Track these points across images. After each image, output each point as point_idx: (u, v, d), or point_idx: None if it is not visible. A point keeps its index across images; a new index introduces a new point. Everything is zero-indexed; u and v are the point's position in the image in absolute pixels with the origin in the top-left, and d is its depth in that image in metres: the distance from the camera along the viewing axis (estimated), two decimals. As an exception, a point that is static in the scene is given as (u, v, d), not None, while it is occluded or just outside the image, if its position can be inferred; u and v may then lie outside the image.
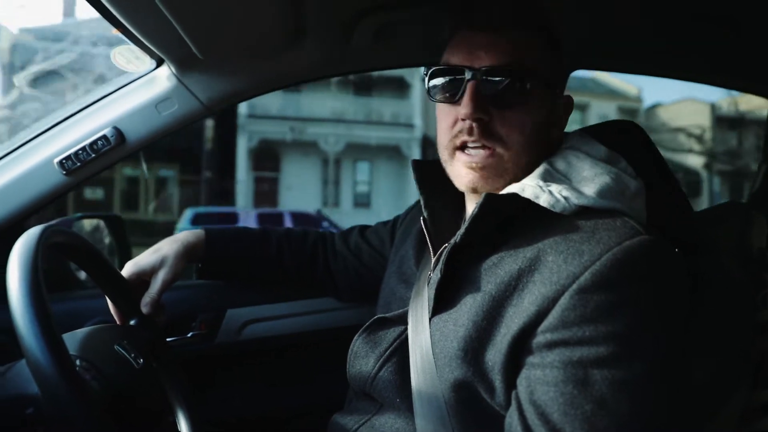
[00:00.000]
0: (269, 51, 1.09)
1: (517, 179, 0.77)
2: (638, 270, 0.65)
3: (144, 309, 0.99)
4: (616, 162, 0.78)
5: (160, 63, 1.12)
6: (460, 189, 0.82)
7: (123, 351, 0.82)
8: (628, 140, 0.88)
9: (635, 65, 1.47)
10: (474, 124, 0.75)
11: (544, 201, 0.70)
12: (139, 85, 1.14)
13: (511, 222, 0.74)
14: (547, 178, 0.74)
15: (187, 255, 1.07)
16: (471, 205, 0.86)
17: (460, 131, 0.77)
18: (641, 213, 0.74)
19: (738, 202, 1.16)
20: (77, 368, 0.73)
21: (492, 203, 0.72)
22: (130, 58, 1.08)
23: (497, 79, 0.74)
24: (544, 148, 0.78)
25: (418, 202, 1.10)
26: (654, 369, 0.63)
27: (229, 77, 1.12)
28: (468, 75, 0.75)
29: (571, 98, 0.78)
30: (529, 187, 0.72)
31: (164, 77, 1.13)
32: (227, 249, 1.14)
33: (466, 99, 0.75)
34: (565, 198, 0.70)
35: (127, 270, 1.03)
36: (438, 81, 0.79)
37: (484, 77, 0.75)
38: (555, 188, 0.71)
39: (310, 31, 1.07)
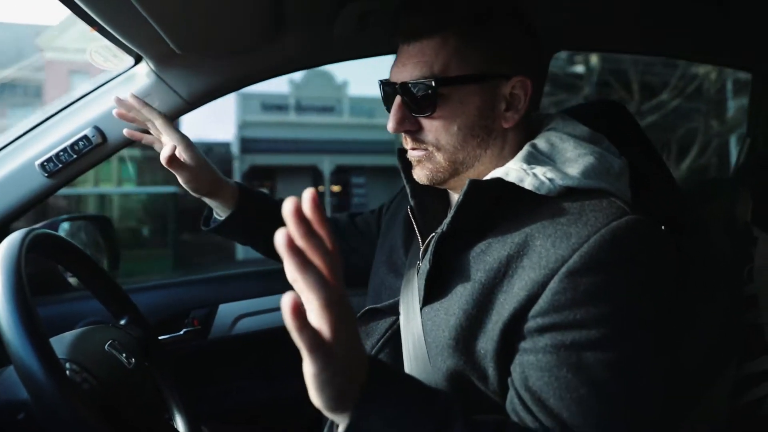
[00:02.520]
0: (249, 44, 1.07)
1: (461, 171, 0.80)
2: (626, 250, 0.65)
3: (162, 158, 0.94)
4: (599, 141, 0.78)
5: (138, 60, 1.10)
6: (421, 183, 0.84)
7: (114, 351, 0.82)
8: (611, 119, 0.89)
9: (620, 44, 1.47)
10: (404, 135, 0.80)
11: (528, 184, 0.70)
12: (119, 83, 1.12)
13: (497, 208, 0.74)
14: (530, 160, 0.74)
15: (214, 186, 1.04)
16: (456, 193, 0.86)
17: (405, 141, 0.82)
18: (626, 192, 0.74)
19: (724, 178, 1.16)
20: (67, 371, 0.72)
21: (477, 189, 0.72)
22: (107, 56, 1.06)
23: (414, 91, 0.76)
24: (487, 136, 0.78)
25: (402, 189, 1.10)
26: (646, 348, 0.64)
27: (209, 72, 1.10)
28: (396, 91, 0.78)
29: (526, 80, 0.76)
30: (513, 171, 0.72)
31: (143, 74, 1.11)
32: (254, 210, 1.10)
33: (390, 114, 0.79)
34: (550, 180, 0.70)
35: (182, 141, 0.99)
36: (382, 93, 0.83)
37: (402, 93, 0.77)
38: (539, 170, 0.71)
39: (291, 22, 1.06)
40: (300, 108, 15.34)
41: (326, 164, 14.94)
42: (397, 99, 0.78)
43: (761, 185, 1.03)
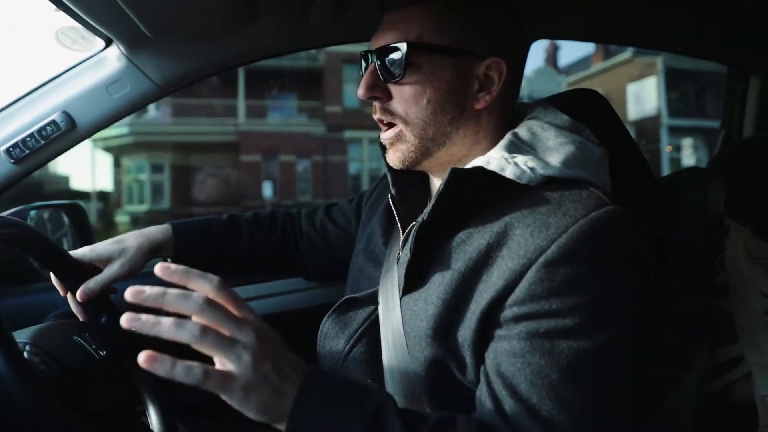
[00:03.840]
0: (223, 28, 1.05)
1: (432, 150, 0.79)
2: (604, 241, 0.65)
3: (78, 294, 0.93)
4: (580, 131, 0.78)
5: (108, 43, 1.06)
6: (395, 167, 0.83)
7: (83, 342, 0.80)
8: (590, 109, 0.89)
9: (597, 34, 1.47)
10: (375, 104, 0.79)
11: (509, 173, 0.70)
12: (88, 67, 1.08)
13: (478, 197, 0.74)
14: (512, 149, 0.74)
15: (151, 251, 1.03)
16: (437, 182, 0.85)
17: (374, 111, 0.81)
18: (606, 180, 0.75)
19: (699, 167, 1.18)
20: (25, 353, 0.70)
21: (458, 178, 0.72)
22: (75, 38, 1.02)
23: (387, 57, 0.76)
24: (458, 114, 0.78)
25: (383, 177, 1.09)
26: (620, 339, 0.64)
27: (183, 56, 1.08)
28: (370, 58, 0.79)
29: (501, 62, 0.76)
30: (494, 160, 0.72)
31: (114, 57, 1.07)
32: (197, 244, 1.10)
33: (362, 80, 0.79)
34: (531, 169, 0.69)
35: (83, 253, 0.97)
36: (361, 64, 0.82)
37: (377, 58, 0.77)
38: (520, 159, 0.71)
39: (266, 6, 1.03)
40: (531, 99, 17.19)
41: None
42: (371, 65, 0.78)
43: (734, 175, 1.04)
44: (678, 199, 0.95)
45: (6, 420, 0.63)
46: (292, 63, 16.01)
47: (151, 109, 15.94)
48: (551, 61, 22.82)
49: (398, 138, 0.79)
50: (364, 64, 0.82)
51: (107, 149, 16.34)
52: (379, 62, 0.77)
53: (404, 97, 0.77)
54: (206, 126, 16.44)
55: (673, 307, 0.85)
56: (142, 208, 16.21)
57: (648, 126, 17.68)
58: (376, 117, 0.80)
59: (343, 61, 16.02)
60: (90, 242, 1.44)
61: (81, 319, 0.96)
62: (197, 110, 16.11)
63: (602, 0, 1.24)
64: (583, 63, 21.72)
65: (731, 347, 0.93)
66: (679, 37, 1.47)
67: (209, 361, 0.55)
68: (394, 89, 0.78)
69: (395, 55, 0.75)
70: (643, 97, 18.10)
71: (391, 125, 0.80)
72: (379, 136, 0.84)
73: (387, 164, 0.87)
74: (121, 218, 15.64)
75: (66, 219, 1.43)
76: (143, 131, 16.27)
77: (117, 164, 16.75)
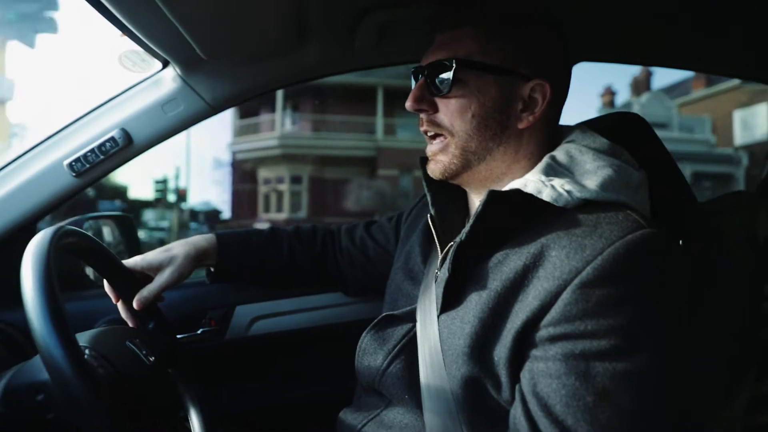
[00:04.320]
0: (273, 51, 1.10)
1: (472, 164, 0.82)
2: (640, 264, 0.65)
3: (135, 302, 0.99)
4: (618, 154, 0.78)
5: (165, 64, 1.13)
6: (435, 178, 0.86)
7: (134, 347, 0.84)
8: (630, 131, 0.89)
9: (644, 57, 1.46)
10: (421, 116, 0.83)
11: (546, 196, 0.71)
12: (146, 87, 1.15)
13: (515, 218, 0.75)
14: (549, 172, 0.75)
15: (197, 258, 1.08)
16: (475, 203, 0.87)
17: (421, 124, 0.84)
18: (645, 204, 0.75)
19: (746, 191, 1.15)
20: (85, 356, 0.74)
21: (495, 199, 0.73)
22: (136, 60, 1.09)
23: (435, 73, 0.80)
24: (501, 132, 0.80)
25: (422, 197, 1.11)
26: (655, 362, 0.64)
27: (233, 77, 1.13)
28: (420, 74, 0.83)
29: (546, 84, 0.78)
30: (532, 182, 0.73)
31: (170, 78, 1.14)
32: (239, 254, 1.15)
33: (411, 92, 0.83)
34: (568, 192, 0.70)
35: (134, 262, 1.03)
36: (413, 80, 0.87)
37: (426, 73, 0.81)
38: (557, 182, 0.72)
39: (313, 30, 1.08)
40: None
41: (687, 170, 18.24)
42: (420, 79, 0.82)
43: None
44: (721, 224, 0.94)
45: (67, 419, 0.67)
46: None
47: (287, 124, 17.50)
48: (644, 86, 23.11)
49: (443, 149, 0.82)
50: (413, 81, 0.86)
51: (254, 160, 17.74)
52: (428, 77, 0.81)
53: (450, 110, 0.80)
54: (347, 141, 17.75)
55: (714, 333, 0.83)
56: (281, 216, 17.45)
57: (757, 151, 18.86)
58: (422, 129, 0.84)
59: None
60: (138, 252, 1.51)
61: (131, 324, 1.01)
62: (333, 126, 17.36)
63: (649, 21, 1.24)
64: (678, 88, 22.46)
65: (779, 379, 0.90)
66: (723, 57, 1.44)
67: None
68: (440, 103, 0.81)
69: (444, 71, 0.79)
70: (751, 123, 19.20)
71: (436, 136, 0.83)
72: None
73: (426, 184, 0.89)
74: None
75: (117, 229, 1.51)
76: (291, 144, 17.72)
77: (254, 175, 17.66)
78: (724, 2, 1.12)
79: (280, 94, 17.13)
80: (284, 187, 17.94)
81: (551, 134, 0.84)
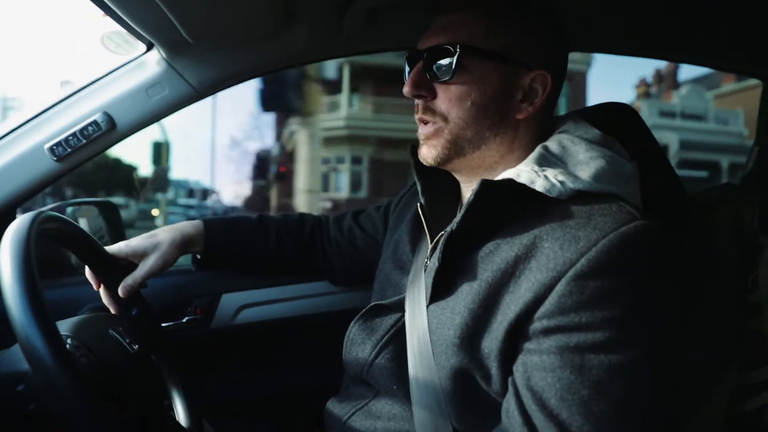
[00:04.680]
0: (260, 35, 1.07)
1: (466, 151, 0.80)
2: (634, 256, 0.65)
3: (120, 290, 0.97)
4: (611, 145, 0.78)
5: (150, 47, 1.10)
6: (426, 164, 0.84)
7: (117, 336, 0.82)
8: (621, 122, 0.88)
9: (633, 48, 1.46)
10: (418, 102, 0.81)
11: (539, 186, 0.70)
12: (129, 70, 1.12)
13: (507, 208, 0.74)
14: (542, 162, 0.74)
15: (183, 244, 1.06)
16: (467, 192, 0.86)
17: (416, 110, 0.82)
18: (636, 195, 0.74)
19: (732, 184, 1.16)
20: (67, 346, 0.72)
21: (488, 189, 0.72)
22: (119, 42, 1.06)
23: (436, 57, 0.78)
24: (498, 121, 0.79)
25: (410, 186, 1.10)
26: (650, 353, 0.64)
27: (220, 61, 1.10)
28: (417, 58, 0.80)
29: (547, 75, 0.77)
30: (525, 172, 0.72)
31: (154, 62, 1.11)
32: (226, 240, 1.13)
33: (408, 78, 0.80)
34: (561, 182, 0.70)
35: (118, 248, 1.01)
36: (407, 63, 0.84)
37: (425, 57, 0.78)
38: (550, 173, 0.71)
39: (301, 14, 1.06)
40: (684, 115, 21.07)
41: (724, 162, 19.94)
42: (419, 64, 0.79)
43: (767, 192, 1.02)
44: (709, 216, 0.94)
45: (50, 409, 0.66)
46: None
47: (343, 106, 17.88)
48: (671, 79, 24.07)
49: (435, 134, 0.80)
50: (407, 68, 0.83)
51: (322, 140, 18.04)
52: (427, 62, 0.78)
53: (449, 97, 0.78)
54: (412, 123, 17.92)
55: (702, 324, 0.84)
56: (340, 195, 18.09)
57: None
58: (417, 116, 0.82)
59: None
60: (123, 238, 1.49)
61: (113, 311, 0.99)
62: (395, 109, 17.43)
63: (638, 12, 1.24)
64: (707, 81, 23.05)
65: (763, 369, 0.91)
66: (712, 50, 1.45)
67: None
68: (440, 89, 0.79)
69: (445, 56, 0.77)
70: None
71: (431, 123, 0.81)
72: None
73: (417, 173, 0.88)
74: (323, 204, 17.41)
75: (100, 216, 1.48)
76: (356, 125, 18.12)
77: (313, 154, 18.11)
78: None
79: (346, 75, 17.61)
80: (344, 167, 18.46)
81: (547, 125, 0.83)
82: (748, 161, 1.76)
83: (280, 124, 19.47)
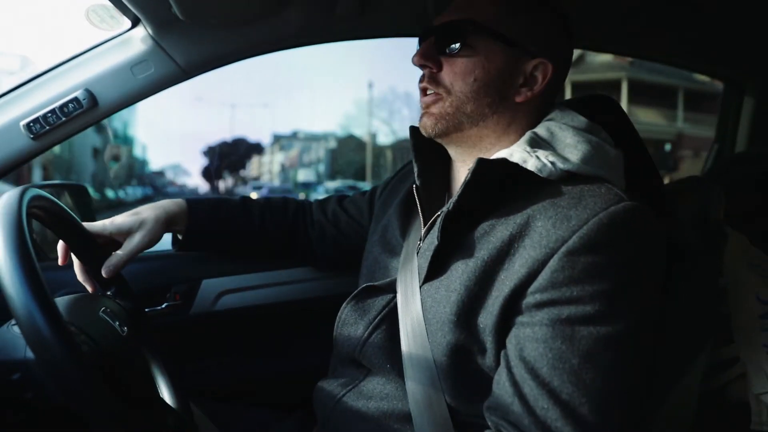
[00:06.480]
0: (252, 15, 1.06)
1: (464, 126, 0.83)
2: (623, 234, 0.69)
3: (104, 270, 0.93)
4: (597, 132, 0.81)
5: (135, 23, 1.07)
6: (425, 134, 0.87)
7: (108, 318, 0.80)
8: (604, 113, 0.92)
9: (606, 45, 1.52)
10: (424, 72, 0.84)
11: (531, 165, 0.73)
12: (113, 46, 1.08)
13: (501, 188, 0.77)
14: (532, 144, 0.77)
15: (168, 222, 1.04)
16: (461, 174, 0.88)
17: (421, 79, 0.85)
18: (621, 180, 0.78)
19: (698, 177, 1.23)
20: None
21: (484, 168, 0.75)
22: (104, 17, 1.02)
23: (447, 32, 0.82)
24: (498, 101, 0.82)
25: (397, 173, 1.12)
26: (636, 325, 0.68)
27: (209, 41, 1.08)
28: (432, 30, 0.84)
29: (549, 64, 0.81)
30: (517, 152, 0.75)
31: (140, 38, 1.08)
32: (209, 220, 1.11)
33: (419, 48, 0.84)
34: (552, 163, 0.73)
35: (102, 226, 0.97)
36: (420, 39, 0.87)
37: (438, 32, 0.82)
38: (541, 153, 0.74)
39: None
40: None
41: None
42: (431, 38, 0.83)
43: (734, 183, 1.09)
44: (677, 206, 0.99)
45: (51, 399, 0.64)
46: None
47: None
48: None
49: (435, 102, 0.83)
50: (422, 37, 0.86)
51: None
52: (439, 36, 0.82)
53: (454, 70, 0.81)
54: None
55: (678, 307, 0.89)
56: None
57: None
58: (421, 85, 0.85)
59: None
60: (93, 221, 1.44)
61: (89, 290, 0.96)
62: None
63: (605, 13, 1.29)
64: None
65: (728, 348, 0.98)
66: (681, 52, 1.52)
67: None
68: (446, 62, 0.82)
69: (457, 32, 0.80)
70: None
71: (434, 94, 0.83)
72: None
73: (416, 154, 0.90)
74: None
75: (69, 199, 1.42)
76: None
77: None
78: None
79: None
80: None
81: (544, 114, 0.86)
82: (707, 159, 1.86)
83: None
